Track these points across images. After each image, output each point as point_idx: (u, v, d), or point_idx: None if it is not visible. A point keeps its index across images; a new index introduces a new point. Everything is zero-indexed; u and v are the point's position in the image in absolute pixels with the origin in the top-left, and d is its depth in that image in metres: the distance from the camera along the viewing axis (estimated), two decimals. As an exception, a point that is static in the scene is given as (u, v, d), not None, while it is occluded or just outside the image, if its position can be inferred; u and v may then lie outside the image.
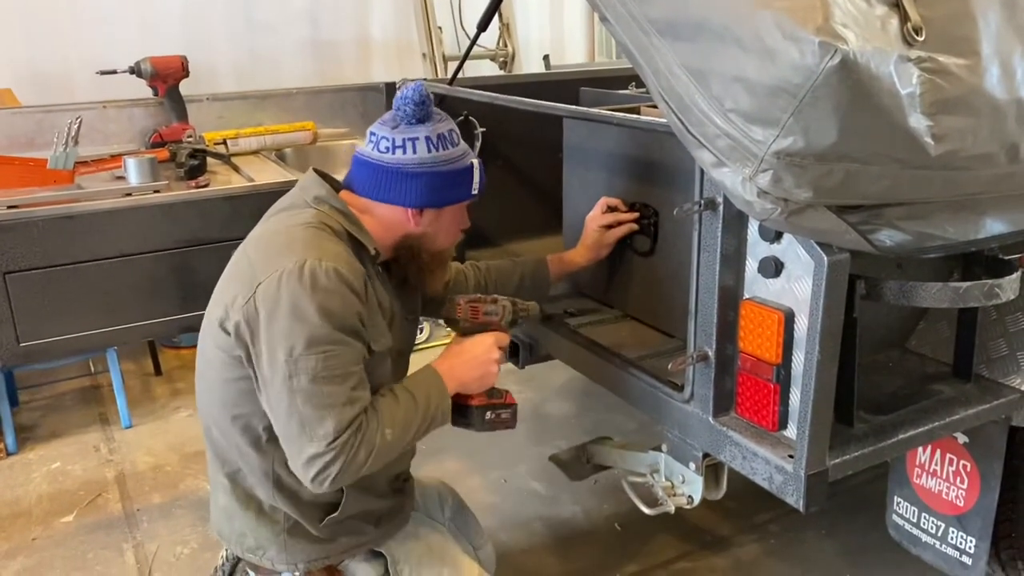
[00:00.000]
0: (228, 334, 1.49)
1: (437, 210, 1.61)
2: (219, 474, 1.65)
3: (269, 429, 1.52)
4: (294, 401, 1.40)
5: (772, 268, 1.45)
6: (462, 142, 1.63)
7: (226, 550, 1.93)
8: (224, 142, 2.98)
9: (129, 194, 2.30)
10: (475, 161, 1.63)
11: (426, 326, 4.00)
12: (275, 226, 1.56)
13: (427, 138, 1.56)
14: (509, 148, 2.70)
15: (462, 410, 1.71)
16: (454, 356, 1.67)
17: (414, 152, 1.55)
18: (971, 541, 1.95)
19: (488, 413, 1.73)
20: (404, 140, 1.56)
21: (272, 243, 1.52)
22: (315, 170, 1.66)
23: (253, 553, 1.64)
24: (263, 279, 1.44)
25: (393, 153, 1.56)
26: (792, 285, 1.43)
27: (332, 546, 1.65)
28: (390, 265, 1.67)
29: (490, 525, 2.64)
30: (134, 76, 3.01)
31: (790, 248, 1.43)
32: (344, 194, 1.63)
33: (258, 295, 1.43)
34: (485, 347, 1.68)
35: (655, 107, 2.25)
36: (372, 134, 1.60)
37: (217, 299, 1.56)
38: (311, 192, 1.59)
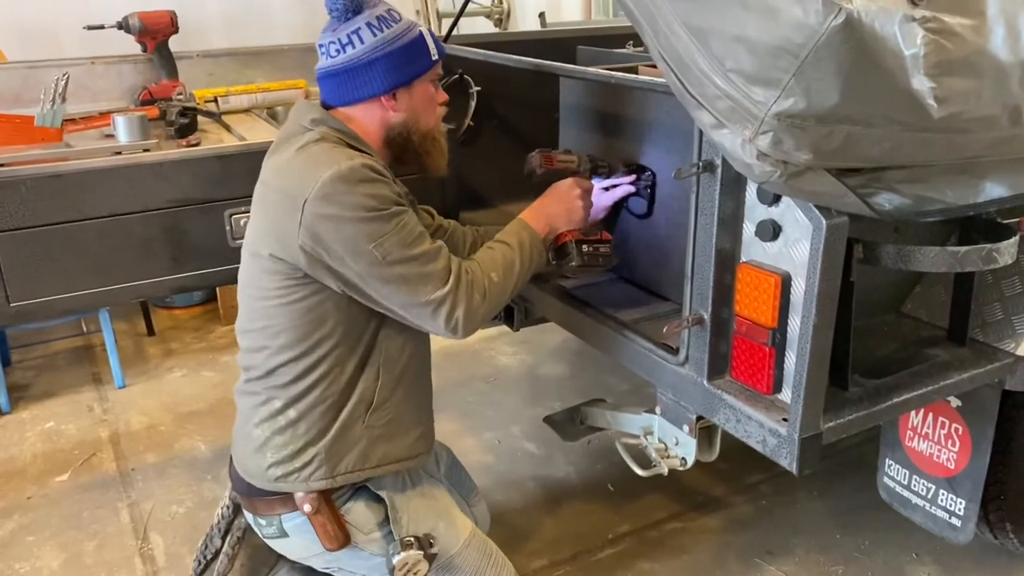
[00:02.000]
0: (283, 260, 1.55)
1: (407, 89, 1.65)
2: (265, 399, 1.65)
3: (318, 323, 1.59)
4: (396, 273, 1.51)
5: (770, 231, 1.45)
6: (404, 17, 1.66)
7: (222, 508, 1.94)
8: (215, 100, 2.93)
9: (119, 152, 2.26)
10: (422, 30, 1.67)
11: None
12: (287, 155, 1.59)
13: (368, 24, 1.60)
14: (504, 107, 2.67)
15: (559, 250, 1.82)
16: (536, 202, 1.81)
17: (361, 42, 1.59)
18: (961, 503, 1.97)
19: (585, 246, 1.82)
20: (348, 35, 1.60)
21: (293, 167, 1.56)
22: (303, 99, 1.69)
23: (285, 479, 1.63)
24: (307, 196, 1.48)
25: (344, 51, 1.60)
26: (790, 249, 1.43)
27: (370, 454, 1.65)
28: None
29: (484, 485, 2.65)
30: (122, 31, 2.95)
31: (788, 211, 1.41)
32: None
33: (308, 212, 1.48)
34: (566, 185, 1.83)
35: (653, 66, 2.22)
36: (320, 46, 1.64)
37: (259, 236, 1.61)
38: (307, 116, 1.63)
